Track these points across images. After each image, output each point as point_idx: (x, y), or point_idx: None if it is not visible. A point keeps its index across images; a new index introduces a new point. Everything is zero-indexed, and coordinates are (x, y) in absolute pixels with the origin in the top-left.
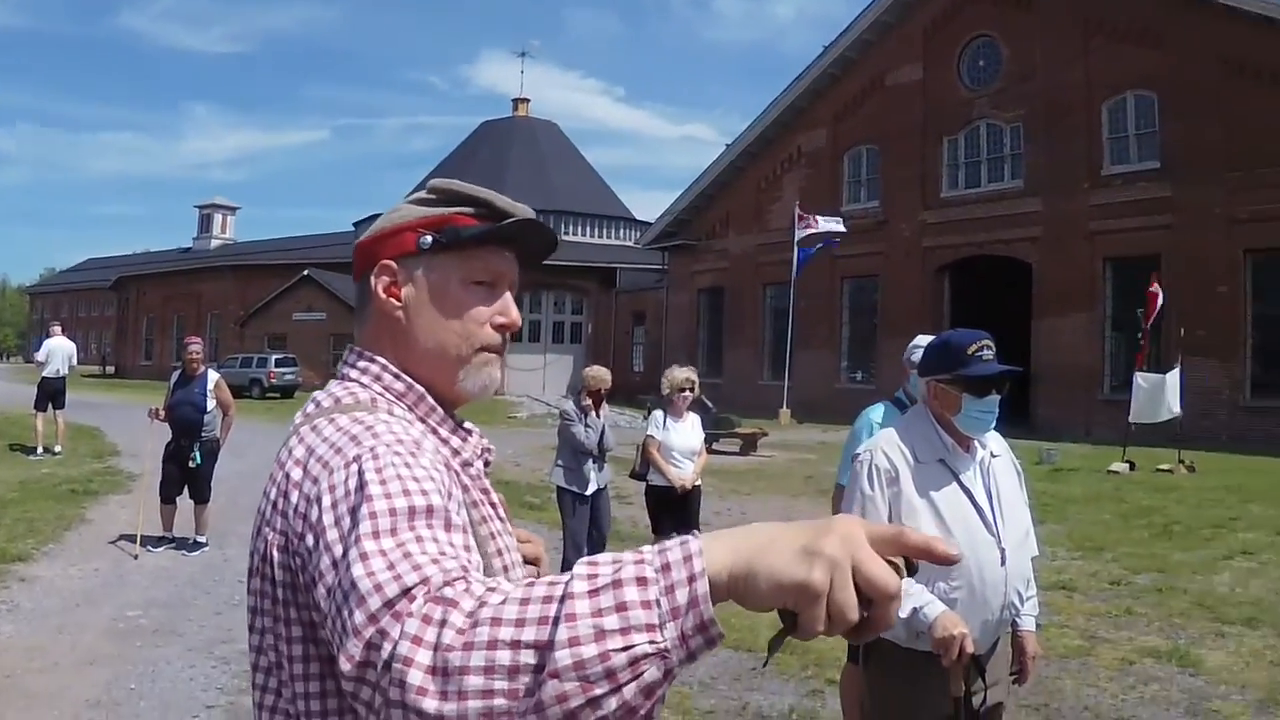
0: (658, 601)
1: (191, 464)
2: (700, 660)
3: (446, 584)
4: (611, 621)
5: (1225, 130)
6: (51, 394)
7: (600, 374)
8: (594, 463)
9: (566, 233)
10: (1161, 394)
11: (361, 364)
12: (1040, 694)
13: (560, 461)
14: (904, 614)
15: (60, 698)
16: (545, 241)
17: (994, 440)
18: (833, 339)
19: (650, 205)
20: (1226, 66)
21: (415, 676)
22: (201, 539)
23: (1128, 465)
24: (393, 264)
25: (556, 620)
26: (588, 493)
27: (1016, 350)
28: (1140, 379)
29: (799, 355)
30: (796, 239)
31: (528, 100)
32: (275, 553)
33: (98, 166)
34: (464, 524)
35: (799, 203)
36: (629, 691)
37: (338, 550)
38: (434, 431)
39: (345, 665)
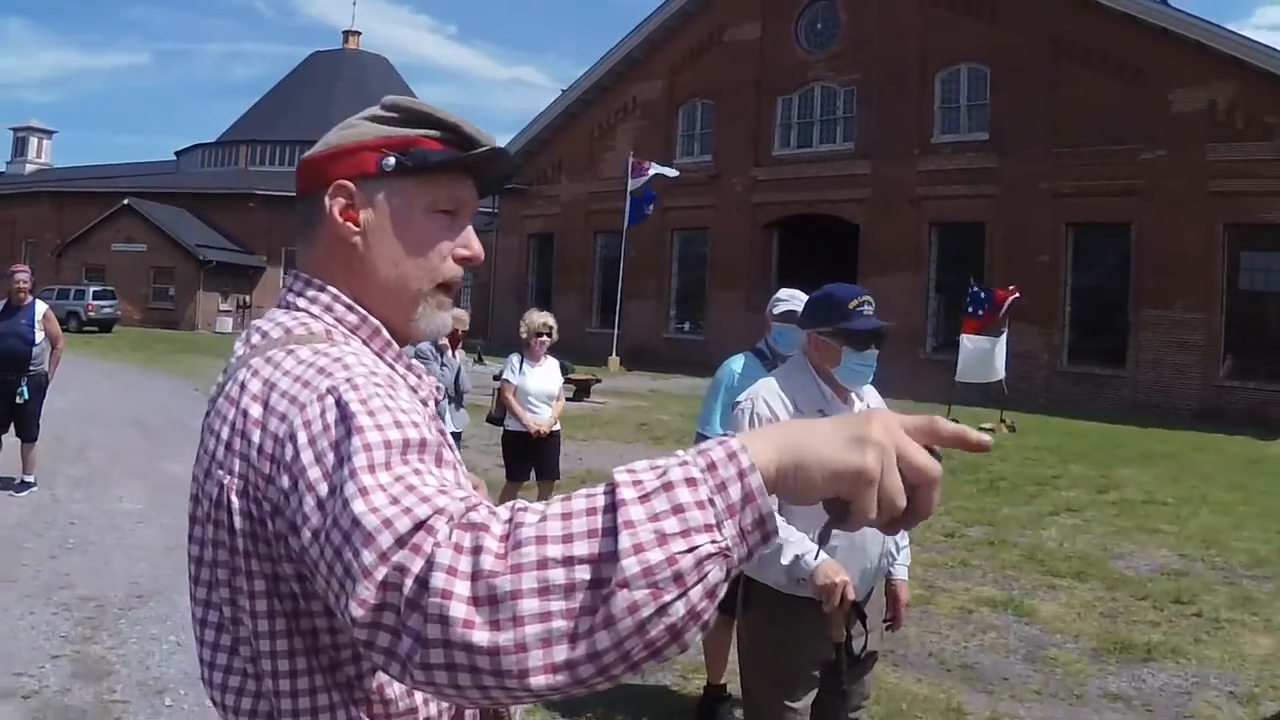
0: (711, 500)
1: (19, 400)
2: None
3: (470, 509)
4: (671, 525)
5: (1052, 106)
6: None
7: (458, 315)
8: (450, 403)
9: None
10: (990, 357)
11: (310, 292)
12: (886, 641)
13: None
14: (785, 561)
15: None
16: (507, 172)
17: (870, 393)
18: (662, 289)
19: None
20: (1057, 45)
21: (458, 609)
22: (29, 479)
23: (952, 424)
24: (350, 185)
25: (613, 530)
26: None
27: None
28: (967, 340)
29: (629, 304)
30: (629, 189)
31: (359, 33)
32: (234, 498)
33: None
34: (454, 460)
35: (633, 152)
36: (695, 594)
37: (323, 489)
38: (391, 367)
39: (357, 610)
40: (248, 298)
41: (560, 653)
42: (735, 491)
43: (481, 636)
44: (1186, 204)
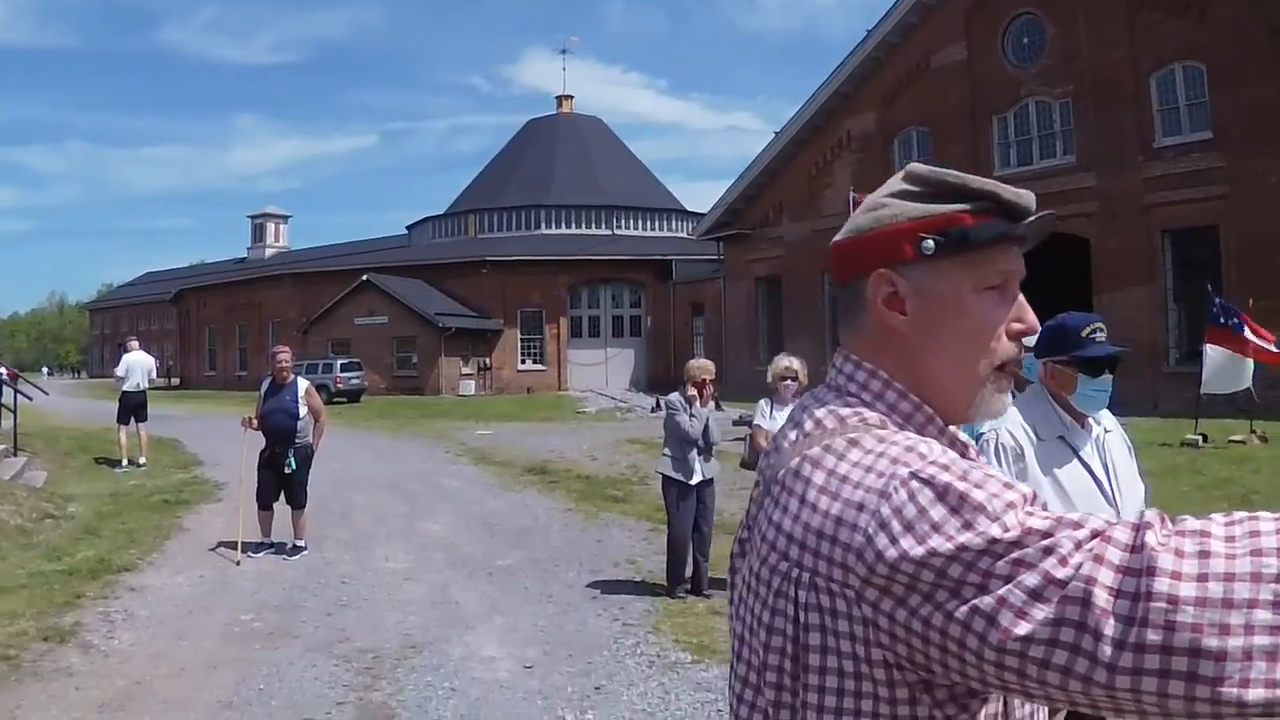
0: None
1: (287, 470)
2: None
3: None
4: None
5: (1276, 97)
6: (133, 408)
7: (704, 365)
8: (699, 453)
9: (618, 227)
10: (1239, 364)
11: (861, 376)
12: None
13: (666, 451)
14: None
15: (192, 701)
16: (1050, 229)
17: (1106, 417)
18: None
19: (698, 196)
20: (1275, 34)
21: (1185, 612)
22: (301, 543)
23: (1201, 437)
24: (889, 273)
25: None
26: (692, 482)
27: None
28: (1210, 349)
29: None
30: None
31: (571, 97)
32: (798, 591)
33: (148, 181)
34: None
35: (852, 188)
36: None
37: (963, 562)
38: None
39: (1095, 646)
40: (487, 360)
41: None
42: None
43: (1211, 642)
44: None
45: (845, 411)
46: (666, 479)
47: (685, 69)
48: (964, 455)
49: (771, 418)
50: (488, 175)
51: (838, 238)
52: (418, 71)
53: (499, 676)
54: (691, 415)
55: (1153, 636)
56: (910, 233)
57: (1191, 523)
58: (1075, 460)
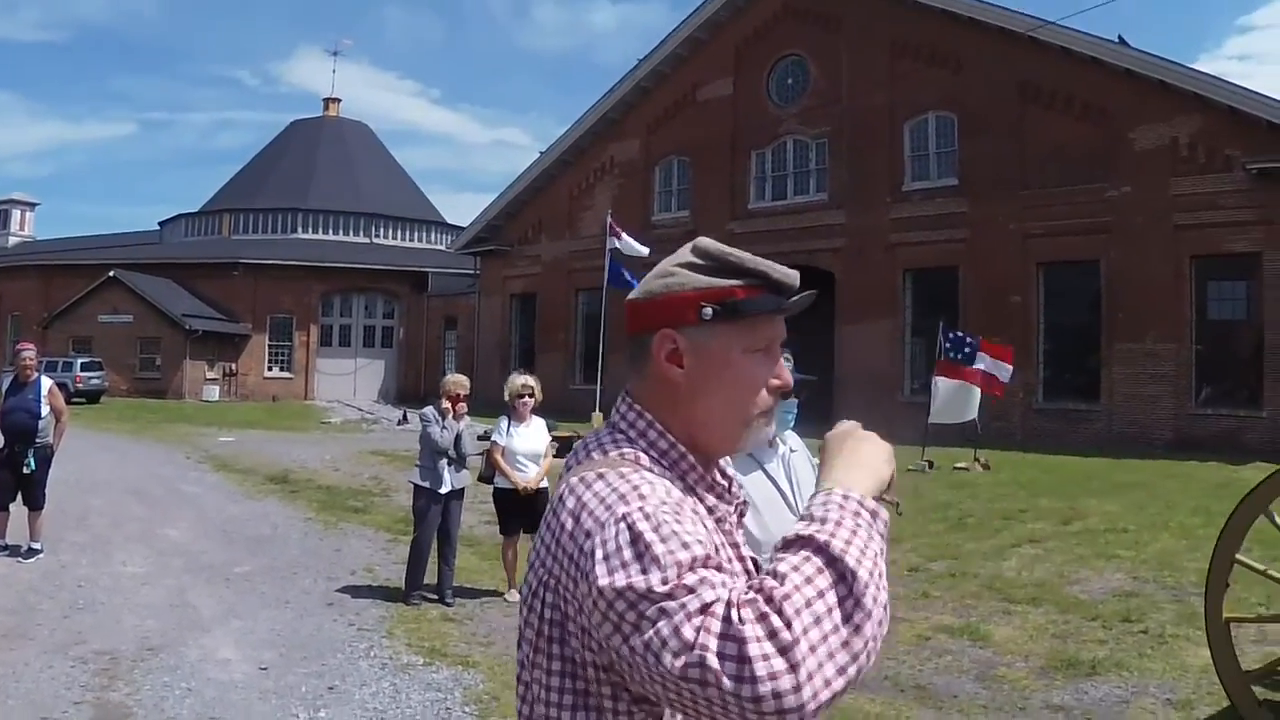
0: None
1: (26, 470)
2: None
3: (743, 594)
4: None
5: (1019, 150)
6: None
7: (459, 380)
8: (450, 464)
9: (376, 236)
10: (965, 397)
11: (630, 416)
12: None
13: (419, 462)
14: None
15: None
16: (807, 305)
17: (792, 438)
18: None
19: (462, 209)
20: (1023, 90)
21: (762, 666)
22: (37, 545)
23: (927, 464)
24: (673, 333)
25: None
26: (441, 491)
27: (821, 357)
28: (940, 382)
29: (611, 359)
30: (608, 248)
31: (339, 100)
32: (545, 592)
33: None
34: (733, 570)
35: (610, 211)
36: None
37: (629, 599)
38: (692, 491)
39: (666, 683)
40: (233, 365)
41: (844, 657)
42: (864, 517)
43: (787, 681)
44: (1153, 238)
45: (609, 446)
46: (417, 487)
47: (459, 80)
48: (726, 489)
49: (508, 435)
50: (246, 175)
51: (632, 296)
52: (184, 61)
53: (235, 677)
54: (444, 427)
55: (755, 680)
56: (693, 301)
57: (770, 588)
58: (762, 474)
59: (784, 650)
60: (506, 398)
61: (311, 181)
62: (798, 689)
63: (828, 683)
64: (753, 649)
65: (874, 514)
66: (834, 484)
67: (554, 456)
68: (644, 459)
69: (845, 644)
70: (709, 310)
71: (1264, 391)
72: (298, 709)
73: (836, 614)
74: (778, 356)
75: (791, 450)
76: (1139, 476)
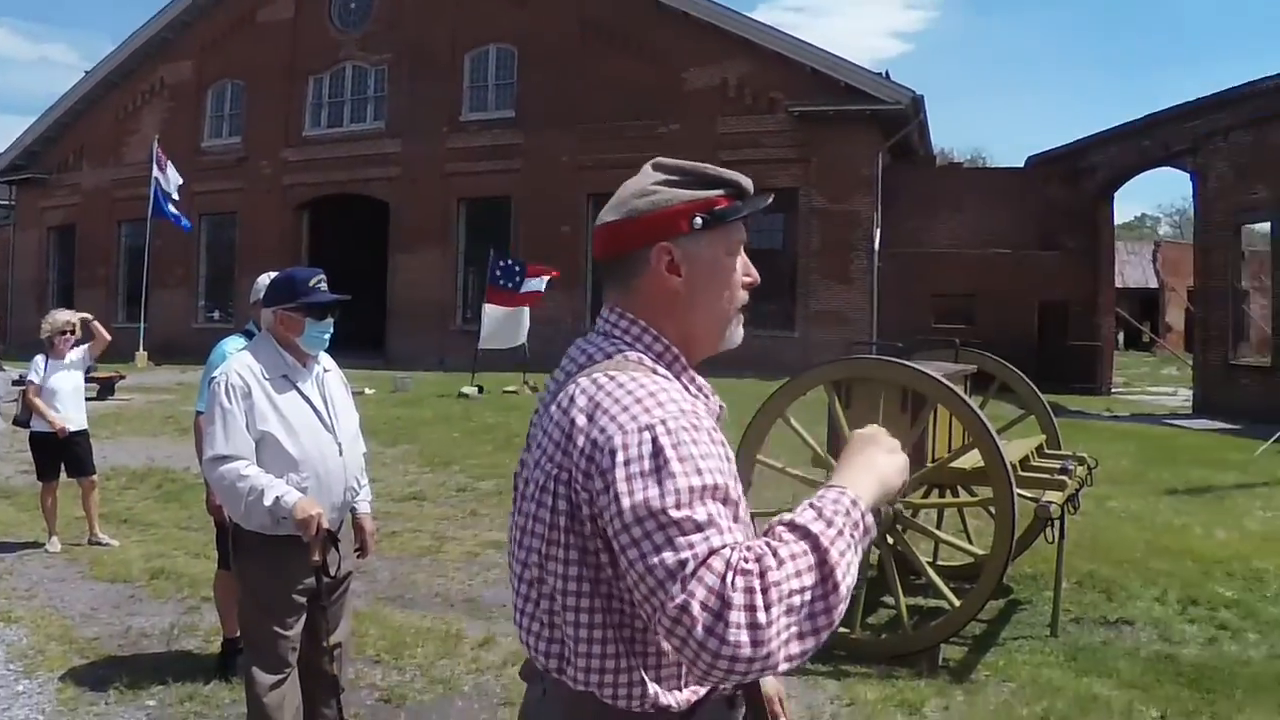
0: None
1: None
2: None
3: (738, 552)
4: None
5: (576, 85)
6: None
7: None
8: None
9: None
10: (514, 323)
11: (624, 324)
12: (398, 587)
13: None
14: (268, 503)
15: None
16: (764, 206)
17: (325, 359)
18: (190, 278)
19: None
20: (584, 28)
21: (734, 635)
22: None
23: (477, 389)
24: (669, 245)
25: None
26: None
27: (375, 286)
28: (490, 309)
29: (156, 295)
30: (153, 176)
31: None
32: (558, 486)
33: None
34: (738, 497)
35: (158, 138)
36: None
37: (628, 505)
38: (686, 389)
39: (664, 620)
40: None
41: (796, 647)
42: (860, 530)
43: (747, 651)
44: None
45: (610, 349)
46: None
47: None
48: (705, 393)
49: (46, 373)
50: None
51: (610, 219)
52: None
53: None
54: None
55: (721, 640)
56: (684, 213)
57: (766, 568)
58: (296, 394)
59: (755, 628)
60: (45, 334)
61: None
62: (751, 660)
63: (776, 663)
64: (732, 616)
65: (866, 530)
66: (847, 485)
67: (89, 400)
68: (646, 360)
69: (802, 637)
70: (699, 220)
71: (796, 314)
72: None
73: (807, 611)
74: (742, 253)
75: (325, 370)
76: None
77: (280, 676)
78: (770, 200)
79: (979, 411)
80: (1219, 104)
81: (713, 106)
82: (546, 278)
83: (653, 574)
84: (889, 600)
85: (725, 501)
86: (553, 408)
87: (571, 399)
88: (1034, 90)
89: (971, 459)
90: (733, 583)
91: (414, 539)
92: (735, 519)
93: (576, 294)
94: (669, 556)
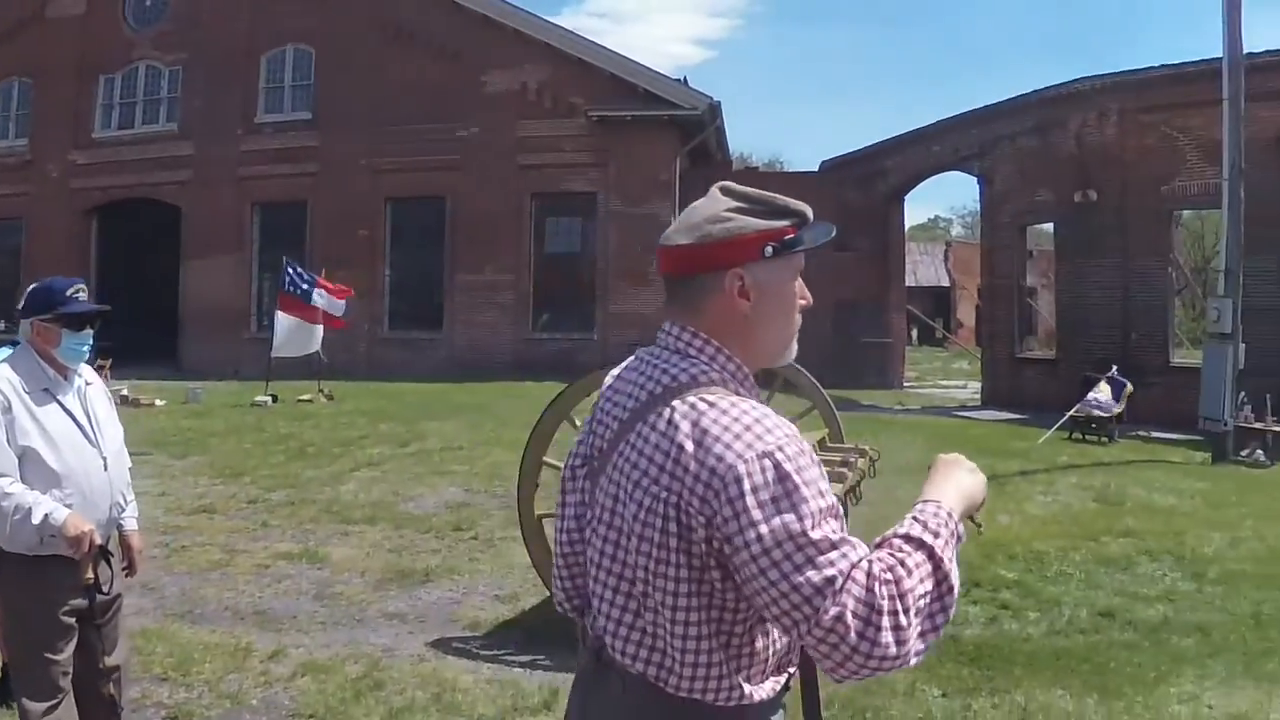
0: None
1: None
2: None
3: (869, 564)
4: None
5: (374, 87)
6: None
7: None
8: None
9: None
10: (307, 331)
11: (697, 344)
12: (186, 602)
13: None
14: (36, 521)
15: None
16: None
17: (87, 371)
18: None
19: None
20: (384, 29)
21: (884, 639)
22: None
23: (271, 398)
24: (742, 270)
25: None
26: None
27: (167, 294)
28: (281, 316)
29: None
30: None
31: None
32: (669, 510)
33: None
34: (840, 510)
35: None
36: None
37: (765, 532)
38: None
39: (812, 634)
40: None
41: (922, 644)
42: (956, 539)
43: (893, 651)
44: (498, 177)
45: (693, 370)
46: None
47: None
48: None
49: None
50: None
51: (683, 241)
52: None
53: None
54: None
55: (873, 643)
56: (757, 241)
57: (899, 577)
58: (58, 407)
59: (898, 629)
60: None
61: None
62: (896, 659)
63: (909, 660)
64: (883, 621)
65: (960, 539)
66: (940, 499)
67: None
68: (728, 382)
69: (924, 635)
70: (769, 249)
71: (595, 317)
72: None
73: (928, 611)
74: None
75: (88, 383)
76: (479, 399)
77: (52, 703)
78: (834, 233)
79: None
80: (1006, 111)
81: (513, 110)
82: (343, 301)
83: (798, 591)
84: None
85: (837, 517)
86: (646, 428)
87: (671, 423)
88: (833, 98)
89: None
90: (880, 592)
91: (204, 553)
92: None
93: (375, 301)
94: (814, 575)
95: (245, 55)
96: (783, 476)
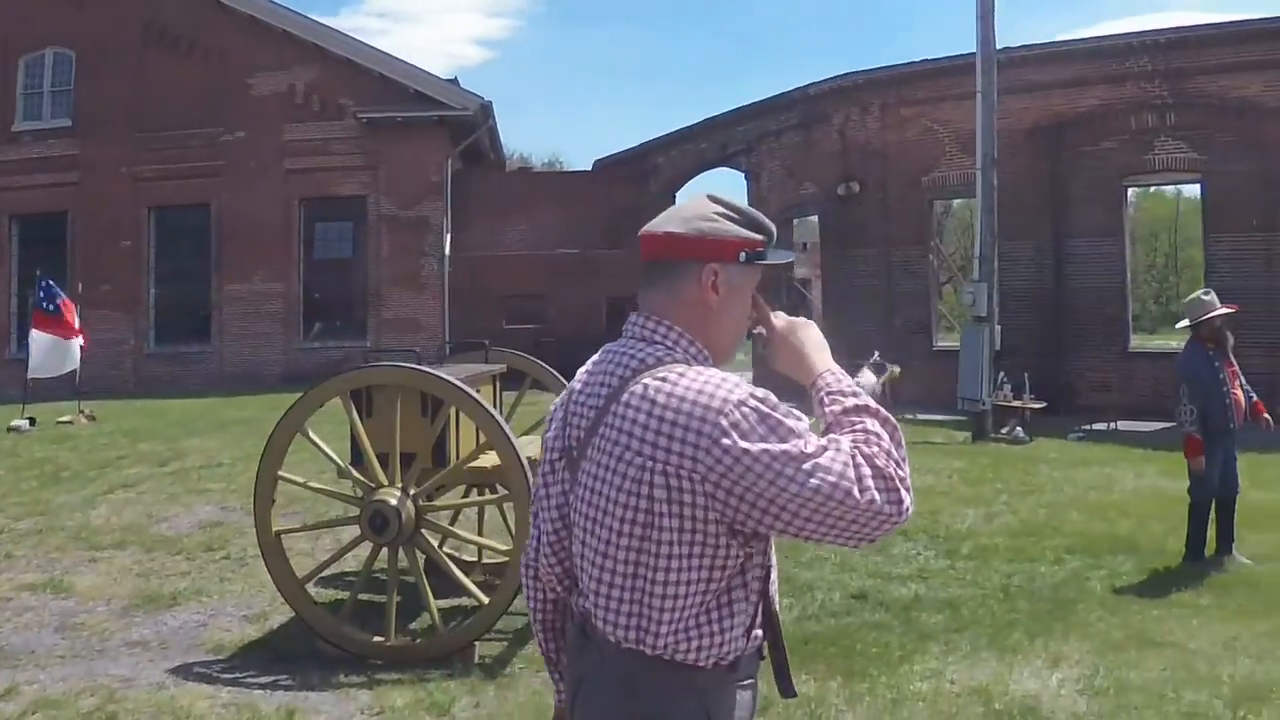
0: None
1: None
2: None
3: (871, 449)
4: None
5: (136, 92)
6: None
7: None
8: None
9: None
10: (64, 349)
11: (662, 329)
12: None
13: None
14: None
15: None
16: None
17: None
18: None
19: None
20: (146, 31)
21: (905, 496)
22: None
23: (29, 421)
24: (718, 267)
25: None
26: None
27: None
28: (36, 335)
29: None
30: None
31: None
32: (651, 475)
33: None
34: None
35: None
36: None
37: (781, 462)
38: None
39: (855, 520)
40: None
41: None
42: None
43: (908, 499)
44: (264, 182)
45: (660, 353)
46: None
47: None
48: None
49: None
50: None
51: (671, 229)
52: None
53: None
54: None
55: (899, 503)
56: (736, 246)
57: (880, 440)
58: None
59: (903, 480)
60: None
61: None
62: (909, 507)
63: (909, 493)
64: (895, 482)
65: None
66: (826, 368)
67: None
68: (692, 362)
69: (903, 465)
70: (743, 255)
71: (368, 322)
72: None
73: (900, 450)
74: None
75: None
76: (246, 412)
77: None
78: (793, 258)
79: (494, 411)
80: (771, 107)
81: (280, 113)
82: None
83: (818, 493)
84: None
85: (814, 434)
86: (620, 407)
87: (645, 397)
88: (611, 97)
89: (492, 458)
90: (879, 462)
91: None
92: None
93: (139, 314)
94: (825, 476)
95: (1, 59)
96: (763, 416)
